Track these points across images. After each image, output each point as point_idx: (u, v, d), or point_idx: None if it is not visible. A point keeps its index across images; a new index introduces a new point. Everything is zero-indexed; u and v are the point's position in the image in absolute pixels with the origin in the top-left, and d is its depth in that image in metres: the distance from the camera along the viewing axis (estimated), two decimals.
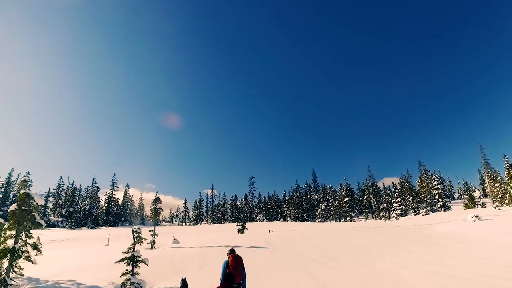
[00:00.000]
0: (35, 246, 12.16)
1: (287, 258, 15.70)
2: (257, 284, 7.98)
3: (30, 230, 12.38)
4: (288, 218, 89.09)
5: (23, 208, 11.77)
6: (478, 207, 52.19)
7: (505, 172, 52.82)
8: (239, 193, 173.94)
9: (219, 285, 5.53)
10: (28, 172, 73.68)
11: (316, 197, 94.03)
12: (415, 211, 68.83)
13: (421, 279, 9.62)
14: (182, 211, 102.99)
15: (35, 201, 12.18)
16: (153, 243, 23.69)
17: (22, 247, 11.68)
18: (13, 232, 11.49)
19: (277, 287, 9.63)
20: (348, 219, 76.98)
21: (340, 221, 76.81)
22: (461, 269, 10.68)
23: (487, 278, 9.09)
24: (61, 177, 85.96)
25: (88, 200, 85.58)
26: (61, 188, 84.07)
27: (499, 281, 8.74)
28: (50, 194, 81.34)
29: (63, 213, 78.19)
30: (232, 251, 7.49)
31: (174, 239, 26.45)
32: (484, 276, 9.45)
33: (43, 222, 12.68)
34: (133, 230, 11.49)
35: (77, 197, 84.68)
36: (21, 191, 12.13)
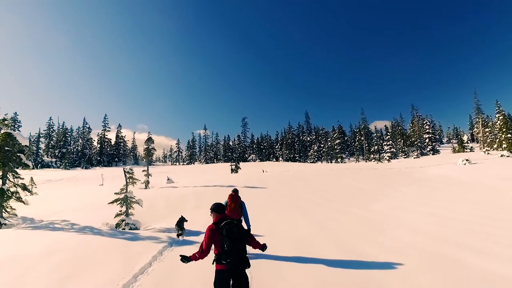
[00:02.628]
0: (24, 187, 11.76)
1: (283, 198, 15.79)
2: (253, 225, 7.82)
3: (18, 172, 11.90)
4: (280, 158, 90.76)
5: (6, 148, 11.08)
6: (467, 151, 53.41)
7: (496, 117, 53.17)
8: (231, 133, 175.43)
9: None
10: (16, 112, 72.06)
11: (308, 139, 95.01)
12: (405, 154, 70.38)
13: (416, 220, 9.62)
14: (175, 151, 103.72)
15: (18, 141, 11.45)
16: (147, 183, 23.73)
17: (10, 188, 11.28)
18: None
19: (274, 228, 9.55)
20: (339, 160, 78.82)
21: (331, 162, 78.67)
22: (455, 210, 10.76)
23: (480, 219, 9.15)
24: (50, 117, 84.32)
25: (80, 141, 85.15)
26: (51, 129, 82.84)
27: (491, 221, 8.80)
28: (41, 135, 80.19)
29: (56, 154, 78.12)
30: (235, 190, 7.60)
31: (168, 179, 26.55)
32: (477, 217, 9.52)
33: (30, 163, 12.12)
34: (124, 171, 11.05)
35: (69, 138, 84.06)
36: (2, 131, 11.31)
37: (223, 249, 3.65)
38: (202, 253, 3.79)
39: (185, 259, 3.85)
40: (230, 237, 3.60)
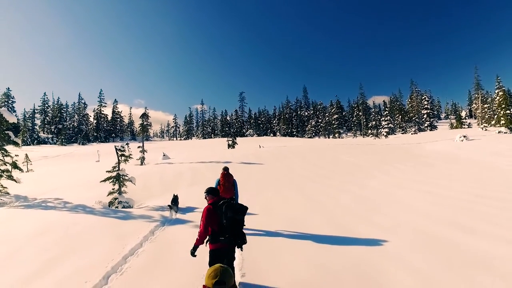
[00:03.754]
0: (15, 165, 11.53)
1: (279, 175, 15.71)
2: (249, 202, 7.70)
3: (9, 149, 11.63)
4: (278, 133, 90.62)
5: None
6: (465, 127, 53.29)
7: (495, 92, 52.65)
8: (229, 108, 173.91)
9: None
10: (8, 88, 70.71)
11: (306, 113, 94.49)
12: (403, 130, 70.30)
13: (415, 198, 9.55)
14: (172, 126, 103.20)
15: (5, 119, 11.08)
16: (142, 159, 23.54)
17: (1, 167, 11.05)
18: None
19: (269, 206, 9.47)
20: (336, 135, 78.79)
21: (328, 138, 78.69)
22: (451, 188, 10.68)
23: (476, 198, 9.07)
24: (44, 93, 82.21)
25: (76, 116, 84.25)
26: (46, 105, 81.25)
27: (487, 200, 8.73)
28: (36, 111, 78.89)
29: (52, 129, 77.27)
30: (225, 169, 7.40)
31: (164, 155, 26.31)
32: (473, 196, 9.43)
33: (19, 141, 11.85)
34: (116, 148, 10.76)
35: (64, 114, 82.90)
36: None
37: (220, 226, 3.75)
38: (202, 235, 3.88)
39: (193, 250, 3.96)
40: (232, 209, 3.73)
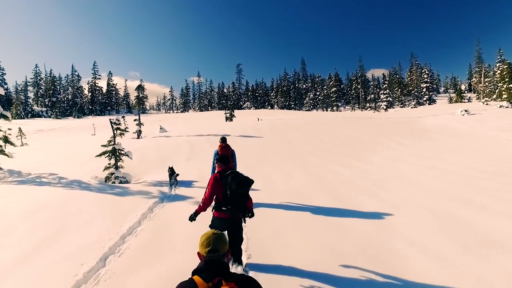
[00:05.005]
0: (6, 140, 11.08)
1: (279, 148, 15.42)
2: (250, 176, 7.44)
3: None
4: (276, 106, 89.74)
5: None
6: (464, 102, 52.82)
7: (496, 66, 51.74)
8: (226, 80, 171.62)
9: (211, 175, 5.35)
10: None
11: (304, 86, 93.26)
12: (402, 104, 69.66)
13: (416, 173, 9.34)
14: (169, 99, 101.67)
15: None
16: (139, 132, 23.08)
17: None
18: None
19: (270, 181, 9.22)
20: (334, 108, 78.15)
21: (326, 111, 78.07)
22: (455, 163, 10.46)
23: (481, 174, 8.84)
24: (36, 65, 79.75)
25: (70, 89, 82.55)
26: (39, 77, 79.03)
27: (493, 176, 8.52)
28: (28, 84, 76.70)
29: (46, 102, 75.71)
30: (223, 140, 7.23)
31: (160, 128, 25.85)
32: (478, 171, 9.21)
33: (9, 114, 11.31)
34: (111, 122, 10.28)
35: (58, 87, 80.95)
36: None
37: (225, 196, 3.73)
38: (205, 202, 3.89)
39: (194, 215, 3.95)
40: (237, 180, 3.66)
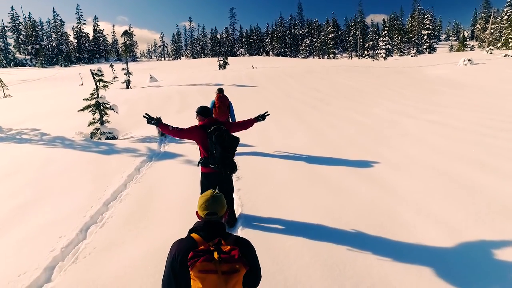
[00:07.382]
0: None
1: (275, 99, 14.73)
2: (244, 131, 6.89)
3: None
4: (271, 53, 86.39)
5: None
6: (467, 50, 50.79)
7: (504, 11, 49.03)
8: (219, 25, 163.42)
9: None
10: None
11: (300, 32, 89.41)
12: (401, 52, 67.14)
13: (420, 129, 8.85)
14: (160, 46, 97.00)
15: None
16: (128, 82, 21.90)
17: None
18: None
19: (266, 136, 8.72)
20: (331, 56, 75.48)
21: (323, 58, 75.47)
22: (462, 119, 9.88)
23: (489, 130, 8.25)
24: (12, 7, 72.54)
25: (54, 36, 77.63)
26: (17, 22, 73.12)
27: (502, 133, 7.94)
28: (6, 29, 70.93)
29: (29, 50, 71.30)
30: (220, 90, 7.00)
31: (151, 77, 24.54)
32: (485, 127, 8.63)
33: None
34: (92, 73, 9.32)
35: (40, 32, 75.93)
36: None
37: (211, 154, 3.59)
38: (173, 134, 3.69)
39: (151, 120, 3.69)
40: (221, 145, 3.47)
